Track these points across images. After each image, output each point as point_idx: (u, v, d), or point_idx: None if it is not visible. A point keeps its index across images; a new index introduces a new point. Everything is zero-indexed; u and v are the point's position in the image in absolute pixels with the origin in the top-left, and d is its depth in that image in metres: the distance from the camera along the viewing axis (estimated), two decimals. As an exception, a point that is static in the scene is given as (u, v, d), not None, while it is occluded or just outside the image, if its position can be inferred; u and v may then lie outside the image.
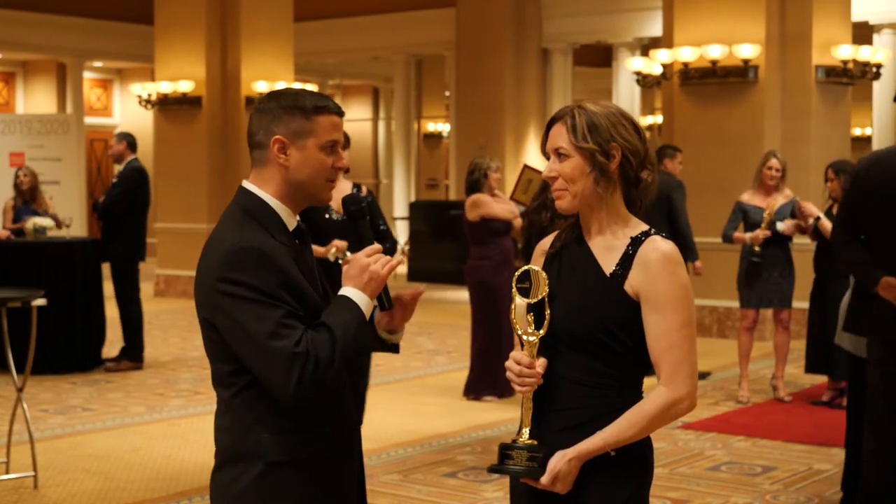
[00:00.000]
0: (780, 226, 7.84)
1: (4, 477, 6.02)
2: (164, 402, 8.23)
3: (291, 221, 2.55)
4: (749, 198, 8.06)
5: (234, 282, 2.39)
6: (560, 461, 2.49)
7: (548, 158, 2.62)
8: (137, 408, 8.02)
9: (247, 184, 2.56)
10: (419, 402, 8.17)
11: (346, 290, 2.48)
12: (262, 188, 2.53)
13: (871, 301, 4.67)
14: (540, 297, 2.53)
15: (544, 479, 2.49)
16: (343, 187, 5.81)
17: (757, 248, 7.87)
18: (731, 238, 8.04)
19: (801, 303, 9.71)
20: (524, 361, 2.52)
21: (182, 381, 9.05)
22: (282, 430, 2.46)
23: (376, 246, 2.54)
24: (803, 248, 9.22)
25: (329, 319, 2.44)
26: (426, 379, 9.15)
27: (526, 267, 2.57)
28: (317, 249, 5.52)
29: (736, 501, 5.69)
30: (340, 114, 2.55)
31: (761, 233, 7.84)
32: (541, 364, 2.53)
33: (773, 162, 7.93)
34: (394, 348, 2.70)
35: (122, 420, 7.63)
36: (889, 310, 4.58)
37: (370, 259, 2.50)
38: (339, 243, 5.86)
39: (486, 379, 8.15)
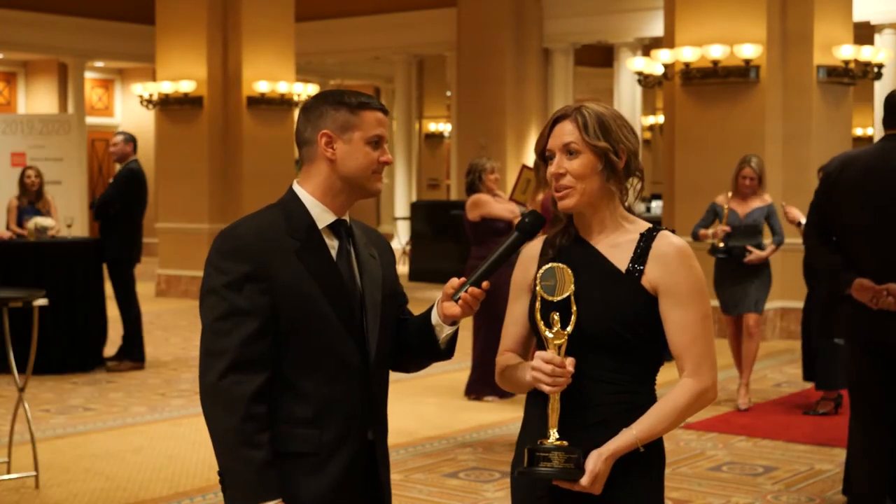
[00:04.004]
0: (752, 257, 7.78)
1: (6, 477, 6.02)
2: (165, 402, 8.23)
3: (325, 217, 2.58)
4: (724, 200, 7.93)
5: (210, 264, 2.53)
6: (598, 461, 2.43)
7: (544, 159, 2.57)
8: (139, 408, 8.02)
9: (294, 182, 2.64)
10: (420, 403, 8.17)
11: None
12: (303, 185, 2.60)
13: (844, 304, 4.62)
14: (566, 294, 2.47)
15: (584, 481, 2.43)
16: None
17: (721, 244, 7.81)
18: (697, 236, 7.93)
19: (796, 303, 9.70)
20: (556, 361, 2.45)
21: (183, 381, 9.05)
22: (274, 420, 2.50)
23: None
24: (797, 249, 9.20)
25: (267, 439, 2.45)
26: (427, 379, 9.14)
27: (551, 265, 2.50)
28: None
29: (737, 501, 5.69)
30: (385, 111, 2.62)
31: (720, 229, 7.78)
32: (570, 363, 2.46)
33: (747, 171, 7.81)
34: (444, 352, 2.64)
35: (124, 420, 7.63)
36: (862, 312, 4.54)
37: None
38: None
39: (487, 379, 8.14)
